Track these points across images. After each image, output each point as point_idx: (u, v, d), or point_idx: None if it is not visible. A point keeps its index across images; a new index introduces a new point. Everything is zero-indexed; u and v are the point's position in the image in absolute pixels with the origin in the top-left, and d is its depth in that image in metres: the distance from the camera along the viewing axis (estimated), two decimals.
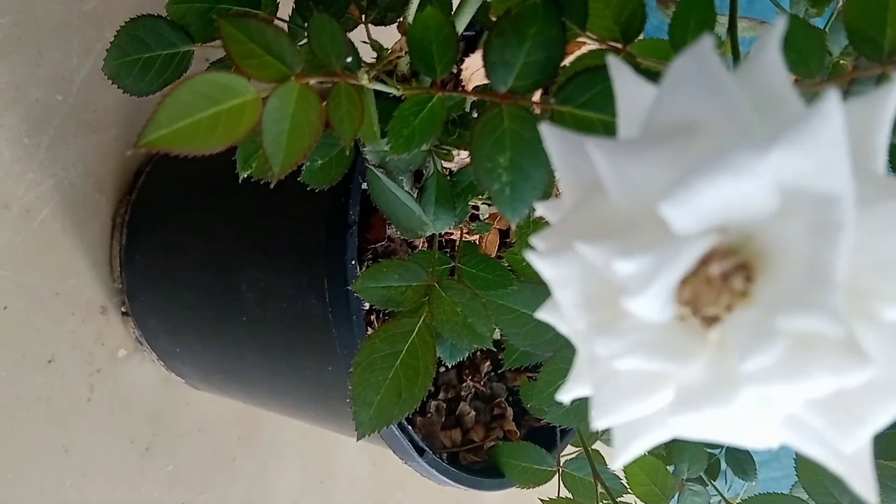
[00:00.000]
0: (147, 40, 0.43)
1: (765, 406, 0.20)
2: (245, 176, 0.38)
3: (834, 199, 0.19)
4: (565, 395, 0.26)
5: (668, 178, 0.20)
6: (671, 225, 0.20)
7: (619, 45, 0.34)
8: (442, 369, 0.67)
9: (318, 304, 0.55)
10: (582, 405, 0.55)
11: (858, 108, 0.21)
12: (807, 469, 0.74)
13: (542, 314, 0.26)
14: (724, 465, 0.88)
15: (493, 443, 0.66)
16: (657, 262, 0.20)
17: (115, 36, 0.44)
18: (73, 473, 0.74)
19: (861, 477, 0.21)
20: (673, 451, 0.79)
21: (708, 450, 0.84)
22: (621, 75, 0.24)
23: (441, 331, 0.44)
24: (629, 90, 0.24)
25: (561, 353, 0.49)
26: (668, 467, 0.78)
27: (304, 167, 0.42)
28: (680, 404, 0.21)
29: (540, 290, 0.49)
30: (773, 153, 0.18)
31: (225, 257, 0.64)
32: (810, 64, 0.31)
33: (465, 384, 0.66)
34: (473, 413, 0.66)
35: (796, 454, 0.76)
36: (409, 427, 0.58)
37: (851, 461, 0.21)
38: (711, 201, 0.19)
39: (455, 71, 0.47)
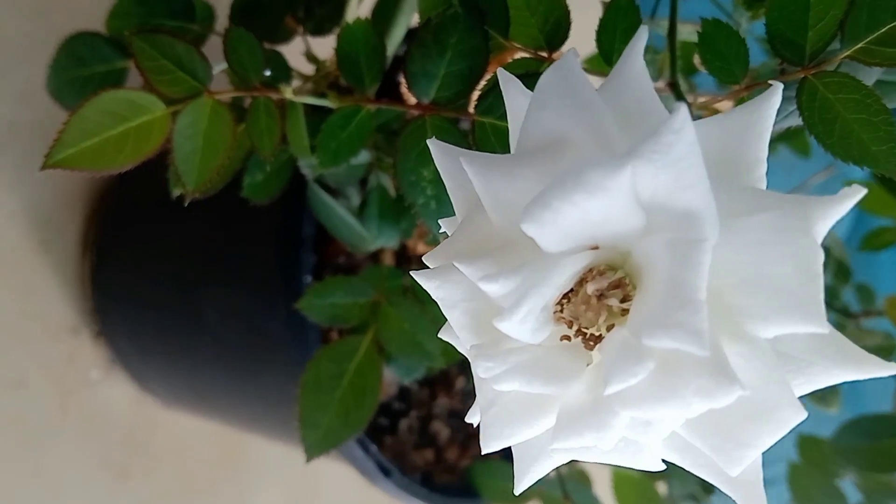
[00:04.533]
0: (85, 57, 0.42)
1: (645, 429, 0.19)
2: (177, 194, 0.37)
3: (694, 216, 0.18)
4: (471, 419, 0.25)
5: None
6: (539, 244, 0.19)
7: (545, 54, 0.33)
8: (414, 387, 0.66)
9: (276, 323, 0.54)
10: None
11: (737, 118, 0.20)
12: (800, 483, 0.73)
13: (443, 334, 0.25)
14: None
15: (468, 462, 0.65)
16: (525, 283, 0.19)
17: (55, 53, 0.43)
18: (44, 498, 0.73)
19: (751, 500, 0.20)
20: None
21: None
22: (510, 89, 0.23)
23: (389, 348, 0.43)
24: (518, 104, 0.23)
25: None
26: (657, 484, 0.76)
27: (245, 182, 0.41)
28: (560, 429, 0.20)
29: None
30: (626, 170, 0.17)
31: (188, 276, 0.64)
32: (735, 70, 0.31)
33: (437, 402, 0.65)
34: (448, 431, 0.65)
35: (790, 467, 0.74)
36: (375, 447, 0.57)
37: (742, 485, 0.20)
38: (572, 219, 0.18)
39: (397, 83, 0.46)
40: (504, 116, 0.31)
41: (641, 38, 0.19)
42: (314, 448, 0.42)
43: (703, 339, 0.17)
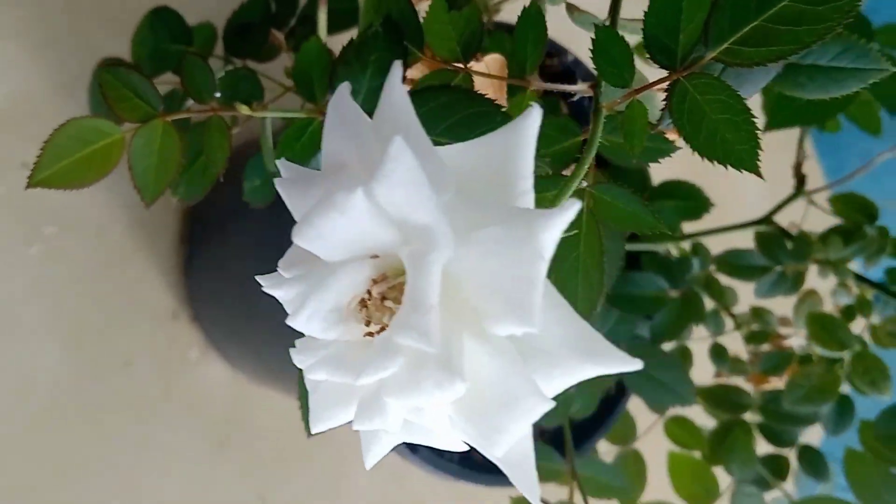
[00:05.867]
0: None
1: (420, 414, 0.22)
2: (176, 199, 0.43)
3: (427, 230, 0.20)
4: None
5: None
6: (319, 256, 0.22)
7: (461, 65, 0.35)
8: None
9: None
10: (563, 406, 0.56)
11: (500, 137, 0.22)
12: (855, 469, 0.71)
13: None
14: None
15: None
16: (307, 290, 0.22)
17: (91, 79, 0.50)
18: (149, 468, 0.81)
19: (523, 479, 0.23)
20: (720, 451, 0.77)
21: (776, 448, 0.80)
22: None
23: None
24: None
25: None
26: (714, 468, 0.76)
27: (245, 187, 0.46)
28: (357, 413, 0.23)
29: None
30: (358, 192, 0.20)
31: (255, 269, 0.70)
32: (624, 75, 0.32)
33: None
34: None
35: (846, 453, 0.72)
36: None
37: (511, 464, 0.23)
38: (333, 234, 0.21)
39: None
40: None
41: (397, 70, 0.22)
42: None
43: (432, 338, 0.20)
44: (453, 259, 0.21)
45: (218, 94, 0.37)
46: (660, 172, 0.64)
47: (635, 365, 0.21)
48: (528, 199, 0.22)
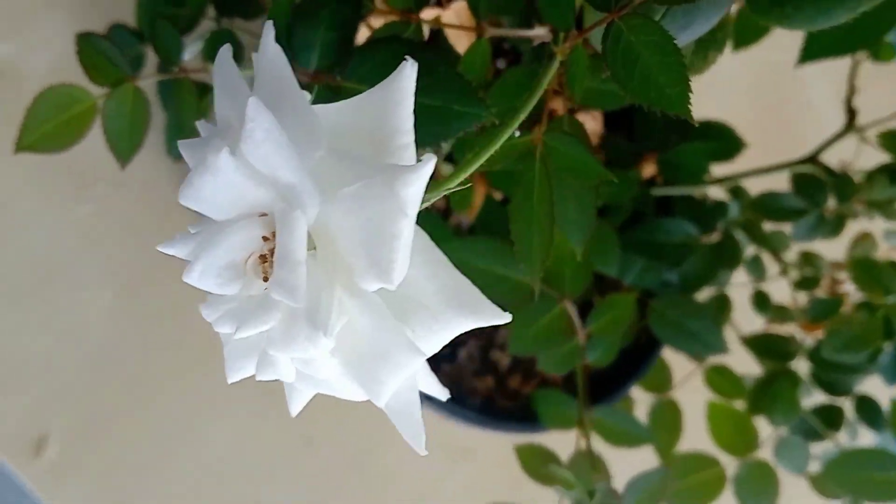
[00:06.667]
0: (120, 44, 0.50)
1: (308, 366, 0.23)
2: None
3: (291, 189, 0.21)
4: None
5: None
6: (208, 216, 0.23)
7: (414, 15, 0.35)
8: None
9: None
10: (570, 356, 0.55)
11: (376, 93, 0.22)
12: None
13: None
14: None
15: (530, 389, 0.68)
16: (198, 247, 0.23)
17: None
18: (200, 412, 0.85)
19: (408, 428, 0.23)
20: (763, 401, 0.75)
21: (832, 398, 0.78)
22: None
23: None
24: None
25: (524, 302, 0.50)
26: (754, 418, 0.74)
27: None
28: (257, 366, 0.24)
29: (490, 242, 0.50)
30: (223, 152, 0.20)
31: None
32: (565, 15, 0.31)
33: (498, 332, 0.68)
34: (508, 359, 0.69)
35: (892, 403, 0.69)
36: None
37: (397, 413, 0.23)
38: (213, 193, 0.22)
39: None
40: (362, 79, 0.34)
41: (270, 28, 0.22)
42: None
43: (298, 294, 0.21)
44: (324, 215, 0.21)
45: (187, 56, 0.38)
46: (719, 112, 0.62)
47: (506, 318, 0.21)
48: (408, 154, 0.22)
